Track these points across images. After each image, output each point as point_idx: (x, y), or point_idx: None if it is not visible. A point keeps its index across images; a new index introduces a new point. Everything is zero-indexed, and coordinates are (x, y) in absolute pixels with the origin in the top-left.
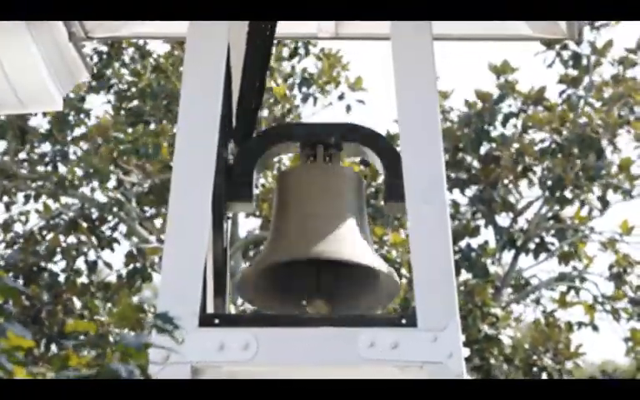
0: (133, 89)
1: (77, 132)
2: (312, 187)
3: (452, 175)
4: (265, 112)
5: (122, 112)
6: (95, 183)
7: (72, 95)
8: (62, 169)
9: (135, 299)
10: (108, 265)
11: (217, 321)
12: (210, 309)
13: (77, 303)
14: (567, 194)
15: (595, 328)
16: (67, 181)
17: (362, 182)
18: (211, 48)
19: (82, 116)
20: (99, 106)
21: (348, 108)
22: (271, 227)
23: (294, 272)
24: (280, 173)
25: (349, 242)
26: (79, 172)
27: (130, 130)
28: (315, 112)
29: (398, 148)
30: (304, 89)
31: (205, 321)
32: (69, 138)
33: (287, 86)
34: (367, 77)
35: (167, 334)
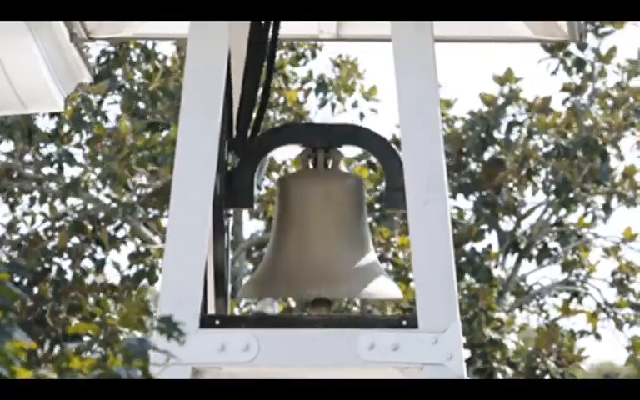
0: (143, 90)
1: (86, 134)
2: (311, 204)
3: (456, 179)
4: (278, 117)
5: (138, 117)
6: (102, 185)
7: (91, 96)
8: (67, 170)
9: (141, 300)
10: (116, 265)
11: (217, 322)
12: (211, 310)
13: (87, 302)
14: (573, 197)
15: (598, 337)
16: (80, 182)
17: (362, 189)
18: (212, 48)
19: (98, 118)
20: (108, 106)
21: (362, 116)
22: (271, 242)
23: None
24: (280, 180)
25: (349, 276)
26: (93, 175)
27: (147, 136)
28: (328, 120)
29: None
30: (321, 95)
31: (206, 322)
32: (84, 140)
33: (303, 91)
34: (378, 80)
35: (169, 338)
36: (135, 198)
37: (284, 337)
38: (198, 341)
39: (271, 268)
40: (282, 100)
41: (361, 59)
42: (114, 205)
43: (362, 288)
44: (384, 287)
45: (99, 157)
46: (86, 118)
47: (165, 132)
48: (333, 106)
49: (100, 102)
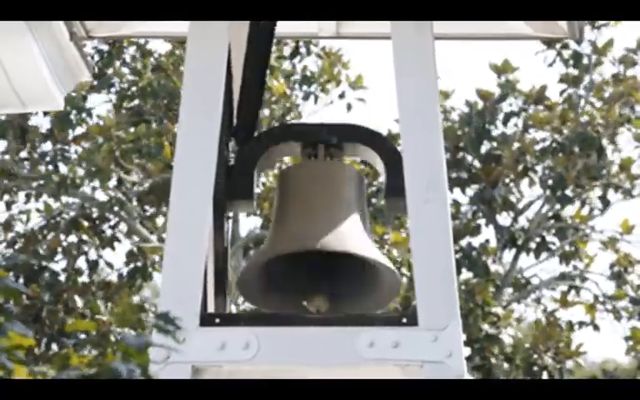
0: (134, 88)
1: (79, 130)
2: (313, 182)
3: (453, 174)
4: (265, 111)
5: (124, 111)
6: (96, 182)
7: (74, 94)
8: (63, 169)
9: (136, 298)
10: (109, 264)
11: (217, 320)
12: (211, 308)
13: (79, 302)
14: (569, 193)
15: (596, 328)
16: (69, 180)
17: (362, 179)
18: (211, 48)
19: (83, 115)
20: (100, 105)
21: (349, 107)
22: (272, 223)
23: (295, 268)
24: (281, 171)
25: (350, 235)
26: (80, 171)
27: (132, 129)
28: (315, 111)
29: (399, 147)
30: (305, 88)
31: (206, 320)
32: (70, 137)
33: (287, 84)
34: (369, 75)
35: (168, 334)
36: (123, 194)
37: (284, 335)
38: (198, 339)
39: (273, 238)
40: (271, 97)
41: (347, 50)
42: (103, 200)
43: (360, 249)
44: (383, 257)
45: (84, 153)
46: (72, 116)
47: (153, 125)
48: (316, 98)
49: (84, 98)
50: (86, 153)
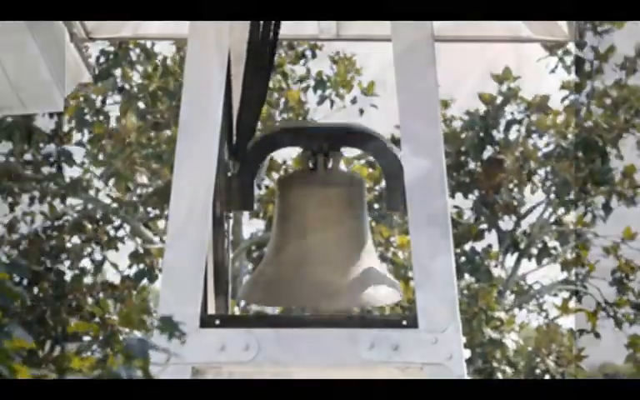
0: (140, 89)
1: (86, 133)
2: (311, 209)
3: (455, 179)
4: (278, 117)
5: (131, 114)
6: (104, 184)
7: (93, 95)
8: (66, 170)
9: (141, 300)
10: (114, 265)
11: (218, 322)
12: (211, 310)
13: (86, 302)
14: (573, 197)
15: (597, 336)
16: (82, 182)
17: (363, 188)
18: (212, 49)
19: (100, 117)
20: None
21: (361, 112)
22: (271, 247)
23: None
24: (280, 181)
25: (348, 288)
26: (94, 174)
27: (152, 134)
28: (327, 116)
29: (399, 151)
30: (319, 92)
31: (206, 322)
32: (85, 139)
33: (300, 89)
34: (379, 76)
35: (171, 338)
36: (136, 198)
37: (284, 336)
38: (198, 341)
39: (271, 276)
40: (283, 100)
41: (359, 55)
42: (114, 205)
43: (362, 298)
44: (384, 293)
45: (101, 157)
46: (87, 117)
47: (168, 132)
48: (332, 102)
49: (103, 102)
50: (106, 157)
